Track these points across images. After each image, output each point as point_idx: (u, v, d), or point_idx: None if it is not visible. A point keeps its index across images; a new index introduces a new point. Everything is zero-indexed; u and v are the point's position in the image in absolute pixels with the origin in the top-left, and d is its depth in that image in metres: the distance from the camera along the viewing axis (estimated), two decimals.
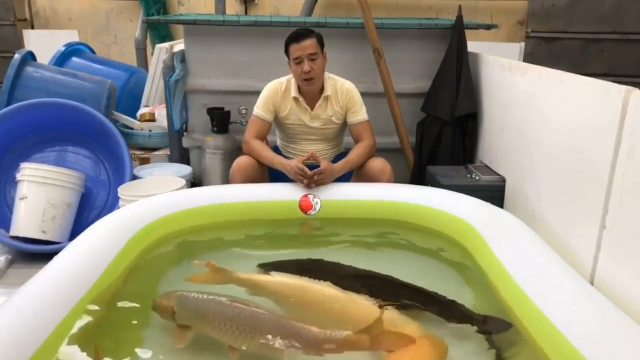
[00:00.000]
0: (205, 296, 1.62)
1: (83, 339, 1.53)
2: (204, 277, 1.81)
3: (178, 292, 1.67)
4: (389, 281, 1.89)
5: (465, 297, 1.86)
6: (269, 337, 1.48)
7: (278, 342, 1.47)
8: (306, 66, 2.49)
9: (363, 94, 2.72)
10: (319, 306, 1.65)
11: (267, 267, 1.96)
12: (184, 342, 1.56)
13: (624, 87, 1.62)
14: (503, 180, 2.63)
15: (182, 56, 3.35)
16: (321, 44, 2.56)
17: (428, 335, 1.56)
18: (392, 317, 1.58)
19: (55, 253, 1.80)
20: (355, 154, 2.62)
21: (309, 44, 2.49)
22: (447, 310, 1.73)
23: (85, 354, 1.51)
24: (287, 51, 2.56)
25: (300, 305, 1.68)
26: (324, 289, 1.67)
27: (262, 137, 2.69)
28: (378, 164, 2.60)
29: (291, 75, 2.64)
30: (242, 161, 2.60)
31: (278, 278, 1.74)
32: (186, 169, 3.22)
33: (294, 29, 2.56)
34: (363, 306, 1.62)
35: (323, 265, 2.01)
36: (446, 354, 1.50)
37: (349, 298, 1.64)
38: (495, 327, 1.65)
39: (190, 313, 1.59)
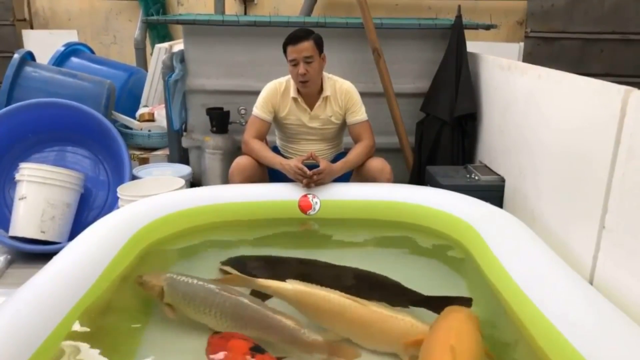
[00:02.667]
0: (195, 281, 1.70)
1: (82, 340, 1.53)
2: (229, 281, 1.81)
3: (168, 273, 1.74)
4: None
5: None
6: (249, 325, 1.59)
7: (256, 331, 1.58)
8: (301, 69, 2.49)
9: (362, 94, 2.72)
10: (337, 315, 1.65)
11: (228, 264, 1.97)
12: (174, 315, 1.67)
13: (623, 87, 1.62)
14: (502, 180, 2.63)
15: (181, 56, 3.35)
16: (319, 46, 2.54)
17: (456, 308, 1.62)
18: (413, 323, 1.58)
19: (54, 253, 1.79)
20: (354, 154, 2.62)
21: (305, 46, 2.48)
22: (399, 295, 1.75)
23: (84, 354, 1.51)
24: (285, 52, 2.56)
25: (319, 314, 1.69)
26: (342, 300, 1.66)
27: (262, 137, 2.69)
28: (377, 164, 2.60)
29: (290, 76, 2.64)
30: (241, 161, 2.60)
31: (297, 286, 1.73)
32: (185, 169, 3.22)
33: (293, 30, 2.55)
34: (382, 317, 1.62)
35: (286, 262, 2.06)
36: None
37: (368, 310, 1.64)
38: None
39: (178, 295, 1.67)
